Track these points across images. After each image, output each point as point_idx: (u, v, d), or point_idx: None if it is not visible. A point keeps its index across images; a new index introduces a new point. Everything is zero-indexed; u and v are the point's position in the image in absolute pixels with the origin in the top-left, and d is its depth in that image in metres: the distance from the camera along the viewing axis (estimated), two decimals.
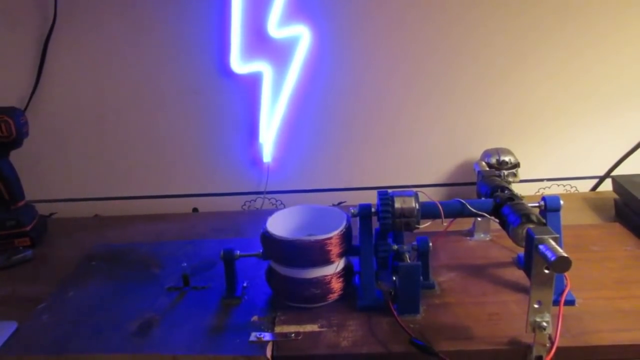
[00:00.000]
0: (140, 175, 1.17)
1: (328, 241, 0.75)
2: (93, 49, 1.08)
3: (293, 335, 0.72)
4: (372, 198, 0.79)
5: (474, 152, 1.08)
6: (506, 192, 0.77)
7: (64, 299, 0.84)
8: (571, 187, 1.16)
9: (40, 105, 1.11)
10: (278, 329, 0.73)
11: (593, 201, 1.09)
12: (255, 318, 0.76)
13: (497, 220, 0.76)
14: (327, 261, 0.76)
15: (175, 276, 0.87)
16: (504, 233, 0.95)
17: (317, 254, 0.75)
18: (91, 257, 0.97)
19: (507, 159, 0.99)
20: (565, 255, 0.58)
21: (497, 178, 0.85)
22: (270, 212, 0.83)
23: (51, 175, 1.17)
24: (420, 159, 1.15)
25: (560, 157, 1.14)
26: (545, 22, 1.04)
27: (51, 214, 1.19)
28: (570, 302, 0.74)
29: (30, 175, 1.07)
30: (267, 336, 0.72)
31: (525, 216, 0.67)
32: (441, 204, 0.77)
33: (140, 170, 1.17)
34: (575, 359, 0.67)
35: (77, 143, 1.14)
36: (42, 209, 1.13)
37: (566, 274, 0.73)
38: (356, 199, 1.16)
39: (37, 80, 1.09)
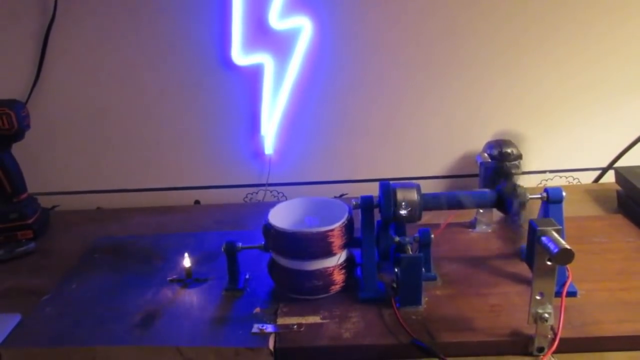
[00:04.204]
0: (142, 167, 1.17)
1: (330, 233, 0.75)
2: (93, 41, 1.07)
3: (295, 326, 0.72)
4: (374, 190, 0.79)
5: (476, 144, 1.08)
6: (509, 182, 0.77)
7: (67, 292, 0.85)
8: (573, 179, 1.16)
9: (41, 97, 1.11)
10: (280, 321, 0.74)
11: (595, 193, 1.09)
12: (257, 310, 0.76)
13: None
14: (329, 253, 0.76)
15: (177, 268, 0.87)
16: (506, 225, 0.96)
17: (319, 246, 0.75)
18: (94, 250, 0.97)
19: (509, 150, 0.99)
20: (568, 247, 0.58)
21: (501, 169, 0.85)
22: (272, 204, 0.83)
23: (53, 168, 1.17)
24: (423, 151, 1.14)
25: (563, 148, 1.13)
26: (549, 14, 1.03)
27: (53, 207, 1.20)
28: (572, 294, 0.75)
29: (32, 168, 1.07)
30: (269, 328, 0.72)
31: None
32: (442, 195, 0.77)
33: (142, 163, 1.16)
34: (577, 350, 0.68)
35: (79, 135, 1.14)
36: (45, 202, 1.13)
37: (568, 265, 0.73)
38: (358, 191, 1.15)
39: (38, 72, 1.08)
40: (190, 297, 0.81)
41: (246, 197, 1.19)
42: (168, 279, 0.86)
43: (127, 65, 1.09)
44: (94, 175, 1.18)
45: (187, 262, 0.85)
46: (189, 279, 0.85)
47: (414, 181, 0.78)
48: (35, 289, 0.86)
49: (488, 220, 0.95)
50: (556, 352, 0.66)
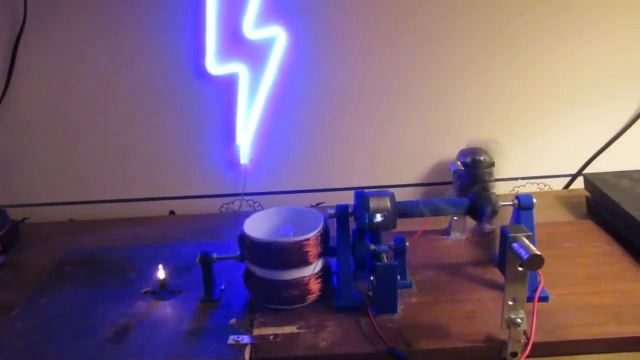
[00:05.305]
0: (115, 178, 1.15)
1: (306, 242, 0.75)
2: (64, 51, 1.06)
3: (272, 337, 0.72)
4: (349, 199, 0.79)
5: (450, 152, 1.10)
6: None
7: (37, 306, 0.83)
8: (544, 185, 1.18)
9: (10, 108, 1.08)
10: (256, 331, 0.73)
11: (566, 199, 1.11)
12: (233, 321, 0.76)
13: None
14: (305, 262, 0.76)
15: (151, 280, 0.86)
16: (480, 232, 0.97)
17: (294, 256, 0.75)
18: (65, 263, 0.95)
19: (482, 158, 1.00)
20: (538, 253, 0.60)
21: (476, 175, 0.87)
22: (247, 214, 0.82)
23: (23, 180, 1.14)
24: (397, 159, 1.15)
25: (534, 156, 1.16)
26: (515, 21, 1.06)
27: (24, 219, 1.17)
28: (543, 299, 0.76)
29: (1, 180, 1.05)
30: (245, 339, 0.71)
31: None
32: (417, 203, 0.77)
33: (116, 173, 1.15)
34: (550, 354, 0.69)
35: (50, 146, 1.12)
36: (14, 214, 1.11)
37: (539, 270, 0.75)
38: (333, 200, 1.16)
39: (7, 82, 1.06)
40: (165, 309, 0.80)
41: (222, 207, 1.18)
42: (142, 291, 0.85)
43: (99, 75, 1.08)
44: (66, 186, 1.15)
45: (161, 273, 0.84)
46: (163, 291, 0.84)
47: (389, 189, 0.78)
48: (4, 303, 0.84)
49: (462, 228, 0.96)
50: (529, 356, 0.66)
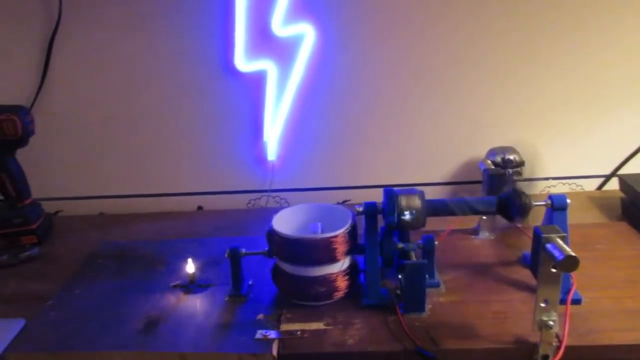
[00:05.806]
0: (145, 173, 1.17)
1: (334, 239, 0.75)
2: (98, 47, 1.08)
3: (299, 333, 0.72)
4: (377, 196, 0.79)
5: (480, 151, 1.08)
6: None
7: (70, 297, 0.85)
8: (577, 186, 1.16)
9: (46, 103, 1.11)
10: (284, 327, 0.73)
11: (599, 200, 1.09)
12: (261, 316, 0.76)
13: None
14: (333, 259, 0.76)
15: (180, 274, 0.87)
16: (509, 232, 0.96)
17: (322, 252, 0.75)
18: (97, 255, 0.97)
19: (512, 157, 0.99)
20: (573, 254, 0.58)
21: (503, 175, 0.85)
22: (274, 211, 0.83)
23: (57, 174, 1.17)
24: (426, 157, 1.14)
25: (566, 155, 1.13)
26: (553, 23, 1.04)
27: (57, 212, 1.20)
28: (576, 301, 0.74)
29: (37, 174, 1.08)
30: (272, 334, 0.72)
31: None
32: (446, 202, 0.77)
33: (145, 169, 1.17)
34: (582, 359, 0.67)
35: (83, 141, 1.15)
36: (48, 207, 1.14)
37: (572, 272, 0.73)
38: (361, 198, 1.15)
39: (43, 78, 1.09)
40: (194, 302, 0.81)
41: (249, 203, 1.19)
42: (171, 284, 0.86)
43: (131, 71, 1.09)
44: (97, 181, 1.18)
45: (190, 267, 0.85)
46: (192, 285, 0.85)
47: (417, 187, 0.78)
48: (39, 293, 0.86)
49: (491, 227, 0.95)
50: (561, 359, 0.65)
